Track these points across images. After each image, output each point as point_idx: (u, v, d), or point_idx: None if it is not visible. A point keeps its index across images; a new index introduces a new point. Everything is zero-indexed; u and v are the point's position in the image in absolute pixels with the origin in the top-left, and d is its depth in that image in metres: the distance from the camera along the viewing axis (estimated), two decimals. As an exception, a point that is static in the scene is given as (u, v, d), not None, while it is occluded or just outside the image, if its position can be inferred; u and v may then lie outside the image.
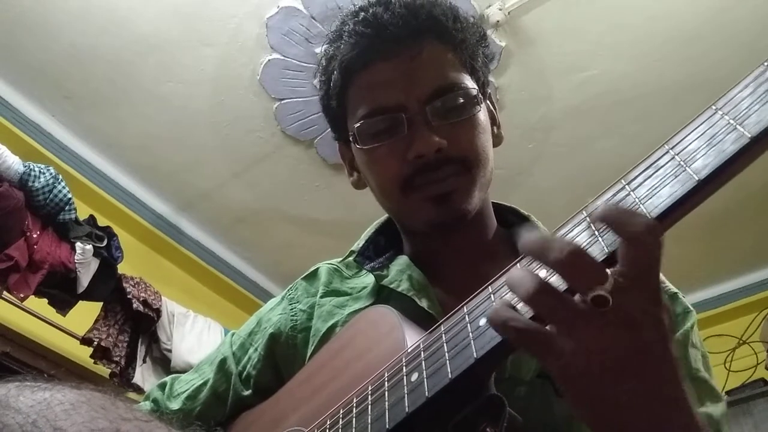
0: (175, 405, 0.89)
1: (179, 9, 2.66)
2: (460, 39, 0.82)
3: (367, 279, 0.87)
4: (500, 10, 2.63)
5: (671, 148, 0.50)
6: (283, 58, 2.84)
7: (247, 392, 0.87)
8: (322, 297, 0.88)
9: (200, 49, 2.81)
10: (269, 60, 2.84)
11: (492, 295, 0.55)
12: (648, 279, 0.47)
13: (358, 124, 0.81)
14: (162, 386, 0.95)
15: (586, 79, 2.90)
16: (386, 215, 0.93)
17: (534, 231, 0.50)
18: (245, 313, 3.82)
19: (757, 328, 3.60)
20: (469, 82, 0.81)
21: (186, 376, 0.94)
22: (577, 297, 0.48)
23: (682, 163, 0.48)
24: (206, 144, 3.22)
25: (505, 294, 0.54)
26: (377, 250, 0.90)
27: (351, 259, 0.90)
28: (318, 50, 2.80)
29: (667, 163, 0.50)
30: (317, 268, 0.93)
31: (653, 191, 0.49)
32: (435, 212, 0.78)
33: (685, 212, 0.48)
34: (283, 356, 0.87)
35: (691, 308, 0.81)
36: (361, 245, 0.90)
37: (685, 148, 0.49)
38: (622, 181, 0.52)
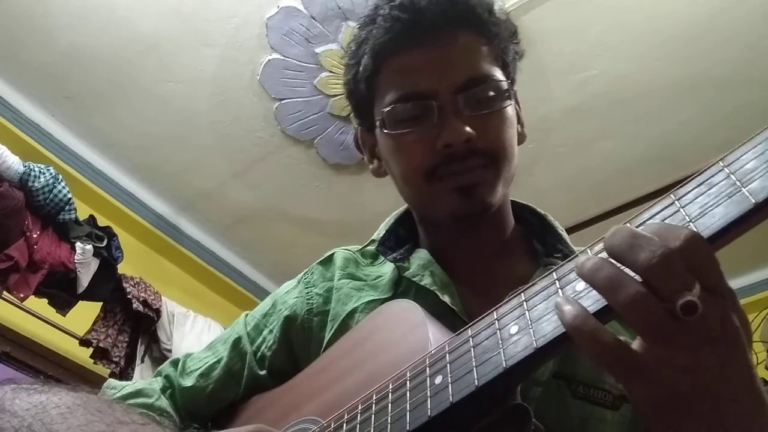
0: (188, 382, 0.89)
1: (179, 9, 2.66)
2: (494, 32, 0.82)
3: (383, 269, 0.86)
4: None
5: (726, 166, 0.47)
6: (283, 58, 2.83)
7: (262, 372, 0.87)
8: (339, 280, 0.87)
9: (200, 49, 2.81)
10: (269, 60, 2.84)
11: (525, 303, 0.53)
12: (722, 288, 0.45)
13: (388, 109, 0.80)
14: (174, 363, 0.94)
15: (586, 79, 2.89)
16: (405, 206, 0.92)
17: (621, 227, 0.47)
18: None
19: (757, 328, 3.60)
20: (501, 76, 0.81)
21: (199, 354, 0.93)
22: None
23: (737, 182, 0.45)
24: (206, 144, 3.22)
25: (538, 303, 0.52)
26: (398, 240, 0.89)
27: (372, 248, 0.89)
28: (318, 50, 2.80)
29: (721, 181, 0.46)
30: (333, 254, 0.92)
31: (706, 210, 0.46)
32: (458, 203, 0.77)
33: (737, 235, 0.45)
34: (299, 339, 0.86)
35: None
36: (381, 235, 0.89)
37: (743, 167, 0.46)
38: (672, 196, 0.49)
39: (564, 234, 0.85)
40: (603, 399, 0.71)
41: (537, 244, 0.85)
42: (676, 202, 0.48)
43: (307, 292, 0.88)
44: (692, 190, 0.48)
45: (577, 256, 0.52)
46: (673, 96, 2.91)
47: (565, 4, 2.62)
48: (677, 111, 2.96)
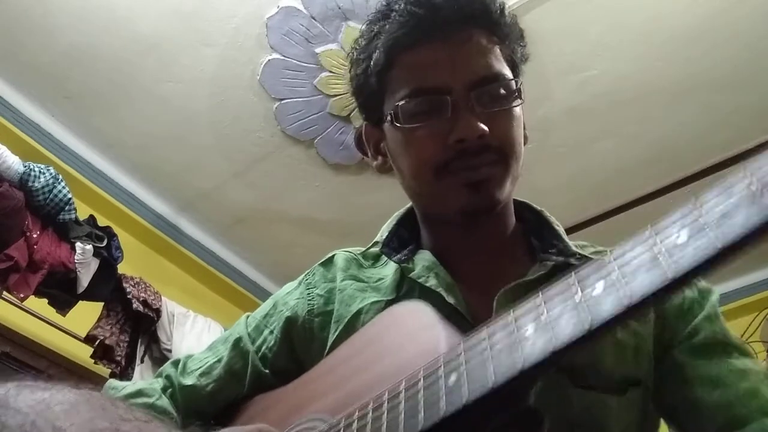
0: (188, 381, 0.89)
1: (179, 9, 2.66)
2: (505, 33, 0.84)
3: (385, 271, 0.86)
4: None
5: (751, 174, 0.46)
6: (283, 58, 2.84)
7: (266, 370, 0.87)
8: (342, 281, 0.87)
9: (200, 49, 2.81)
10: (269, 60, 2.84)
11: (543, 304, 0.53)
12: None
13: (401, 103, 0.80)
14: (175, 363, 0.94)
15: (586, 79, 2.90)
16: (405, 207, 0.92)
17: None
18: (245, 313, 3.82)
19: (757, 328, 3.60)
20: (511, 75, 0.82)
21: (199, 355, 0.93)
22: None
23: (761, 190, 0.44)
24: (206, 144, 3.22)
25: (557, 304, 0.51)
26: (401, 241, 0.89)
27: (375, 250, 0.89)
28: (318, 50, 2.81)
29: (743, 189, 0.45)
30: (334, 255, 0.93)
31: (725, 218, 0.45)
32: (468, 198, 0.78)
33: (759, 243, 0.45)
34: (300, 340, 0.87)
35: (711, 286, 0.80)
36: (385, 236, 0.89)
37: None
38: (693, 199, 0.48)
39: (560, 230, 0.86)
40: (605, 385, 0.71)
41: (534, 241, 0.86)
42: (694, 212, 0.48)
43: (308, 293, 0.89)
44: (715, 196, 0.47)
45: (600, 260, 0.52)
46: (673, 96, 2.92)
47: (565, 4, 2.62)
48: (677, 111, 2.96)
